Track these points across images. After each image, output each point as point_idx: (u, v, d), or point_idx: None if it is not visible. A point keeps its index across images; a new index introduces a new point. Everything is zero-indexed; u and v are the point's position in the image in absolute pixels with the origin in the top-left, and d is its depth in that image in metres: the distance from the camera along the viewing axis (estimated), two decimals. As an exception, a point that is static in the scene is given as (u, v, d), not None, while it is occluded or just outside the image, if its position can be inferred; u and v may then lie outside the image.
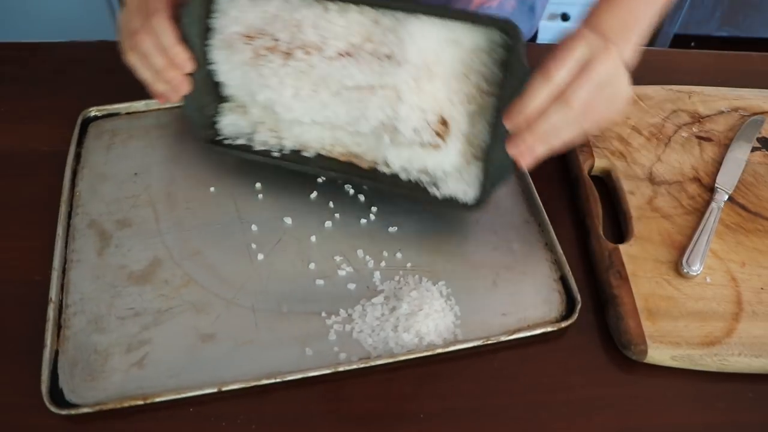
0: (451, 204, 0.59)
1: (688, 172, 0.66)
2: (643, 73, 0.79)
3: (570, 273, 0.57)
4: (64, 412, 0.48)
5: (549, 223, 0.61)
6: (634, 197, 0.63)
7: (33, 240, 0.59)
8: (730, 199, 0.63)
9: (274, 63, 0.58)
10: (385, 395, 0.51)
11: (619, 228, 0.62)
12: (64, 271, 0.56)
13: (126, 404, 0.48)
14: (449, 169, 0.59)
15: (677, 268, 0.57)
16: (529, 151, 0.51)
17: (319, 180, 0.64)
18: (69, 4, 1.51)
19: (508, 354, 0.54)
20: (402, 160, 0.59)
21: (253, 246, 0.59)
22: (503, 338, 0.53)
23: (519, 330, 0.54)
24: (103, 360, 0.51)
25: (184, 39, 0.56)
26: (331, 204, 0.63)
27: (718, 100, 0.73)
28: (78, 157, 0.65)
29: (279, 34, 0.57)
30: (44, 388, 0.48)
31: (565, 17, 1.85)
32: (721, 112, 0.72)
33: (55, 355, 0.51)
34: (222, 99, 0.63)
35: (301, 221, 0.61)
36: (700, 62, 0.83)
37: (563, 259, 0.58)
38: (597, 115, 0.50)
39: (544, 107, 0.48)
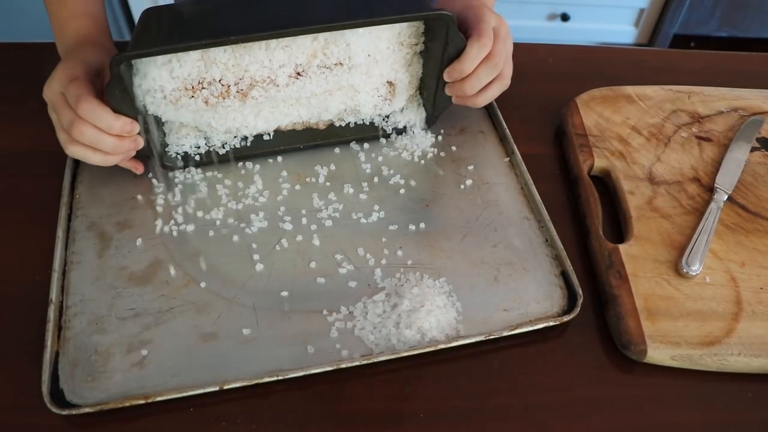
0: (406, 131, 0.69)
1: (688, 172, 0.66)
2: (643, 73, 0.80)
3: (571, 268, 0.57)
4: (65, 412, 0.48)
5: (549, 219, 0.61)
6: (634, 197, 0.63)
7: (33, 240, 0.59)
8: (730, 199, 0.63)
9: (233, 105, 0.59)
10: (385, 395, 0.51)
11: (619, 228, 0.62)
12: (64, 273, 0.56)
13: (127, 404, 0.48)
14: (398, 109, 0.69)
15: (677, 268, 0.57)
16: (464, 98, 0.66)
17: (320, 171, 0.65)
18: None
19: (508, 354, 0.54)
20: (357, 116, 0.68)
21: (254, 245, 0.59)
22: (505, 333, 0.53)
23: (521, 325, 0.54)
24: (103, 360, 0.51)
25: (118, 111, 0.56)
26: (331, 203, 0.63)
27: (717, 100, 0.73)
28: (77, 159, 0.65)
29: (223, 78, 0.58)
30: (45, 388, 0.48)
31: (564, 17, 1.85)
32: (721, 113, 0.72)
33: (56, 355, 0.51)
34: (163, 123, 0.64)
35: (302, 220, 0.61)
36: (699, 62, 0.83)
37: (564, 254, 0.58)
38: (509, 65, 0.65)
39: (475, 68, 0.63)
